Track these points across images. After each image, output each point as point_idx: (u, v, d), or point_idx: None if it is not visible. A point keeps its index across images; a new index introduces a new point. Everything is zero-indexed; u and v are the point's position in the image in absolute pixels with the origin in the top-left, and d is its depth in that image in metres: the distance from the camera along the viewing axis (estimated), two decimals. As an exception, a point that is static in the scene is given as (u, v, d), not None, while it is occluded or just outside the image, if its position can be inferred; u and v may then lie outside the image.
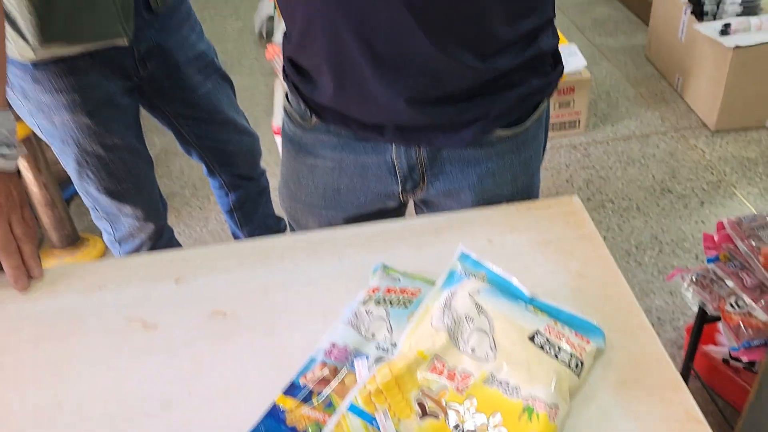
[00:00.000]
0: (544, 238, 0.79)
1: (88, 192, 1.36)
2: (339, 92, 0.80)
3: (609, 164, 2.41)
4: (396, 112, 0.79)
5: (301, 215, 0.99)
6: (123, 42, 1.19)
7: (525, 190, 0.92)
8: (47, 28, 1.10)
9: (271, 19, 3.46)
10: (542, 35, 0.80)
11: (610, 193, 2.28)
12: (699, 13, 2.54)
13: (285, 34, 0.86)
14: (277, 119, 2.37)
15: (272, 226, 1.80)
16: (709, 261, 1.34)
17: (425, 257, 0.79)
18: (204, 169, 1.61)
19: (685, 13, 2.62)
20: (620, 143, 2.53)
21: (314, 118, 0.88)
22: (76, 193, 2.30)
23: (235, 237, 1.83)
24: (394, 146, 0.85)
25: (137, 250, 1.50)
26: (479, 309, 0.63)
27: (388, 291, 0.68)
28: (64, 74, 1.18)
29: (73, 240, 2.10)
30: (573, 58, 2.42)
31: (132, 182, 1.38)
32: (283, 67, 0.91)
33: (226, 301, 0.76)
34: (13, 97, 1.24)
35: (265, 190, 1.72)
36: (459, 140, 0.83)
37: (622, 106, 2.76)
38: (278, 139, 2.25)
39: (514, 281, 0.67)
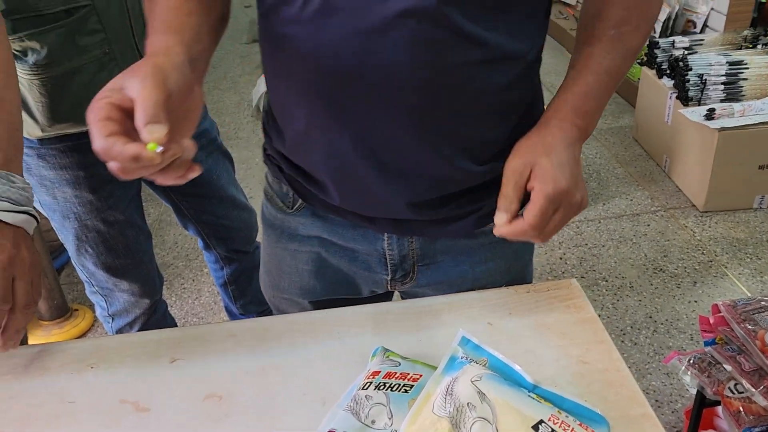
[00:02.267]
0: (544, 322, 0.79)
1: (85, 266, 1.35)
2: (334, 188, 0.79)
3: (601, 242, 2.44)
4: (393, 211, 0.79)
5: (284, 305, 0.96)
6: None
7: (518, 277, 0.92)
8: (57, 110, 1.13)
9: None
10: None
11: (604, 271, 2.29)
12: (684, 99, 2.64)
13: (268, 118, 0.84)
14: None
15: (265, 300, 1.78)
16: (706, 344, 1.33)
17: (425, 340, 0.78)
18: (200, 242, 1.61)
19: (671, 98, 2.72)
20: (611, 221, 2.56)
21: (299, 201, 0.85)
22: (68, 262, 2.29)
23: (228, 310, 1.81)
24: (386, 236, 0.84)
25: (130, 325, 1.48)
26: (482, 396, 0.62)
27: (389, 375, 0.67)
28: (70, 151, 1.19)
29: (62, 311, 2.07)
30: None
31: (130, 258, 1.37)
32: (264, 147, 0.88)
33: (221, 383, 0.74)
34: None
35: (259, 265, 1.72)
36: (454, 232, 0.83)
37: (612, 185, 2.81)
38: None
39: (517, 368, 0.66)
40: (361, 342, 0.78)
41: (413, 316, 0.82)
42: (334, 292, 0.91)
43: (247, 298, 1.73)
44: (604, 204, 2.68)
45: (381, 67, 0.66)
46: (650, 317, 2.07)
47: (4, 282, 0.75)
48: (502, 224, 0.70)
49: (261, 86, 3.63)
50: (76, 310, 2.13)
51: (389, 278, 0.88)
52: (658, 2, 0.77)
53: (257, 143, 3.31)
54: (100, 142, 0.54)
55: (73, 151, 1.20)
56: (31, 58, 1.08)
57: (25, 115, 1.14)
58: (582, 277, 2.25)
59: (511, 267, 0.91)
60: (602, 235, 2.48)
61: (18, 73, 1.07)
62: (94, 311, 2.10)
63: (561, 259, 2.35)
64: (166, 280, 2.30)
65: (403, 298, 0.97)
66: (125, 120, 0.56)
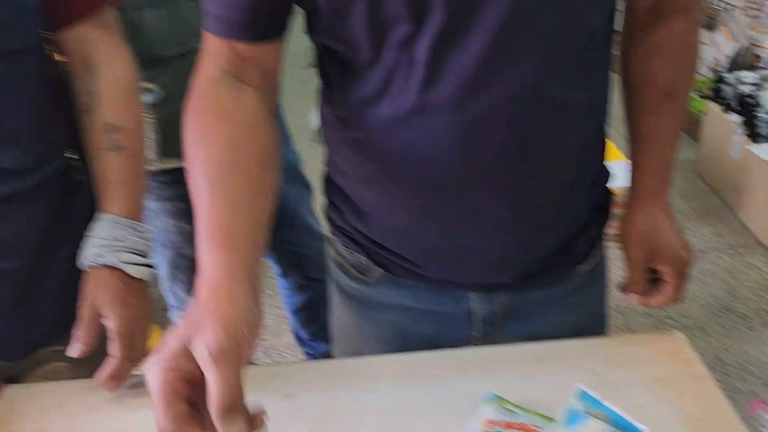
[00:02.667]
0: (652, 376, 0.79)
1: (176, 292, 1.40)
2: (423, 264, 0.81)
3: (666, 279, 2.40)
4: (484, 277, 0.81)
5: None
6: None
7: (599, 321, 0.93)
8: (168, 146, 1.19)
9: (328, 119, 3.62)
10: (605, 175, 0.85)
11: (670, 309, 2.25)
12: (753, 135, 2.59)
13: (336, 191, 0.85)
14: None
15: (335, 328, 1.81)
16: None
17: (533, 388, 0.79)
18: (277, 270, 1.65)
19: (738, 134, 2.67)
20: (676, 258, 2.52)
21: (380, 271, 0.85)
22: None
23: (298, 336, 1.84)
24: (473, 294, 0.85)
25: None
26: (606, 453, 0.62)
27: (508, 426, 0.68)
28: (173, 184, 1.25)
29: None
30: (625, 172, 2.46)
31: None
32: (331, 217, 0.88)
33: (333, 421, 0.76)
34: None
35: (331, 292, 1.75)
36: (543, 283, 0.84)
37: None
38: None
39: (640, 425, 0.67)
40: (465, 386, 0.79)
41: (517, 361, 0.83)
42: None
43: (318, 325, 1.76)
44: (667, 239, 2.64)
45: (479, 158, 0.67)
46: (720, 359, 2.02)
47: (130, 340, 0.76)
48: (635, 302, 0.84)
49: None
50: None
51: (476, 335, 0.88)
52: (698, 49, 0.78)
53: (318, 167, 3.36)
54: (167, 424, 0.49)
55: (176, 184, 1.25)
56: (148, 98, 1.14)
57: None
58: (648, 316, 2.22)
59: (596, 307, 0.92)
60: (667, 271, 2.44)
61: None
62: (162, 328, 2.17)
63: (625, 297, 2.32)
64: (232, 302, 2.34)
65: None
66: (192, 392, 0.51)
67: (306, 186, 1.56)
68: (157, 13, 1.11)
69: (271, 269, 1.69)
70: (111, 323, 0.76)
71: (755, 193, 2.61)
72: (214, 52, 0.70)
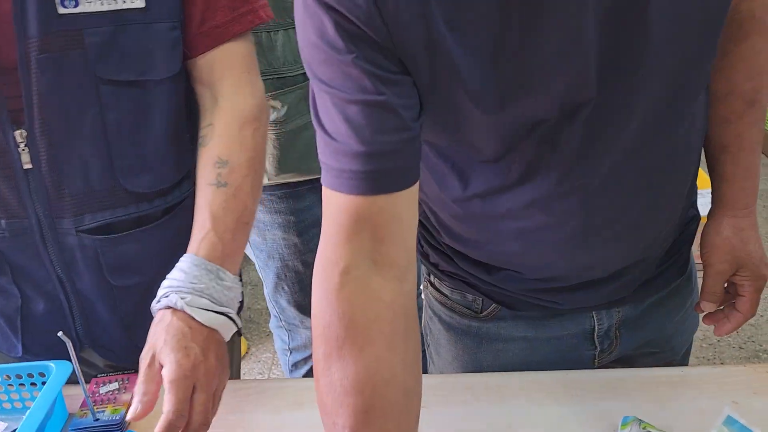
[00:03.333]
0: (793, 406, 0.78)
1: (278, 302, 1.45)
2: (549, 296, 0.83)
3: (759, 311, 2.31)
4: (605, 297, 0.83)
5: None
6: None
7: (694, 318, 0.94)
8: (284, 161, 1.24)
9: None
10: None
11: (764, 342, 2.17)
12: None
13: (438, 243, 0.85)
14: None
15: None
16: None
17: (668, 413, 0.79)
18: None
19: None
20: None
21: (498, 308, 0.86)
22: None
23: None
24: (595, 314, 0.86)
25: (305, 360, 1.56)
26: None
27: (656, 448, 0.69)
28: (286, 198, 1.30)
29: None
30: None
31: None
32: (435, 264, 0.88)
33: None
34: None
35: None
36: (654, 290, 0.86)
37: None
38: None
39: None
40: (599, 408, 0.80)
41: (648, 385, 0.84)
42: None
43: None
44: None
45: (608, 210, 0.71)
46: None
47: (184, 392, 0.66)
48: (709, 310, 0.84)
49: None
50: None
51: (597, 352, 0.89)
52: None
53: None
54: None
55: (289, 198, 1.31)
56: (272, 115, 1.20)
57: None
58: (741, 348, 2.15)
59: (694, 314, 0.92)
60: (761, 304, 2.35)
61: None
62: (248, 341, 2.23)
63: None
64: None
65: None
66: None
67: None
68: (287, 35, 1.17)
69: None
70: (165, 370, 0.67)
71: None
72: (344, 218, 0.60)
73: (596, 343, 0.88)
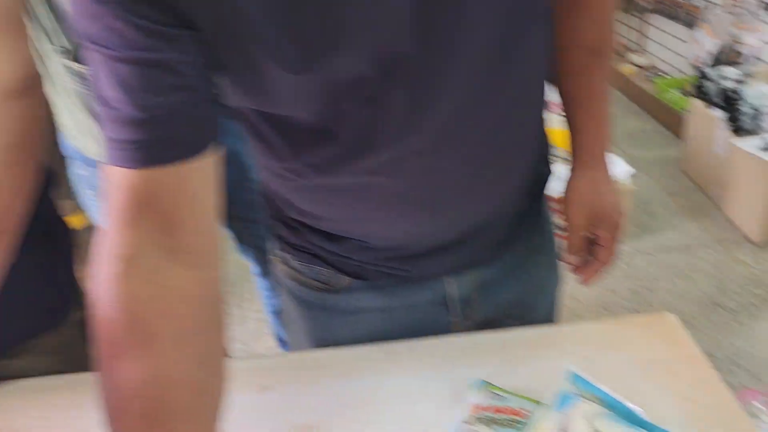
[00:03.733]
0: (645, 358, 0.76)
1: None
2: (398, 263, 0.79)
3: (654, 275, 2.38)
4: (456, 262, 0.79)
5: None
6: None
7: (556, 275, 0.92)
8: None
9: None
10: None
11: (658, 305, 2.23)
12: (737, 130, 2.59)
13: (287, 219, 0.79)
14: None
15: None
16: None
17: (523, 374, 0.76)
18: (256, 269, 1.61)
19: (722, 129, 2.67)
20: (663, 254, 2.51)
21: (347, 279, 0.81)
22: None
23: (280, 338, 1.79)
24: (448, 279, 0.82)
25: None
26: (599, 435, 0.59)
27: (497, 410, 0.65)
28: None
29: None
30: (617, 168, 2.45)
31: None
32: (288, 241, 0.82)
33: (313, 414, 0.72)
34: (82, 192, 1.27)
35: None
36: (507, 250, 0.83)
37: (661, 217, 2.76)
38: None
39: (631, 406, 0.63)
40: (453, 373, 0.76)
41: (506, 347, 0.80)
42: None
43: (301, 326, 1.71)
44: (653, 236, 2.62)
45: (445, 175, 0.67)
46: (709, 353, 1.99)
47: None
48: (573, 263, 0.85)
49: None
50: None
51: (452, 317, 0.85)
52: (614, 6, 0.78)
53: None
54: None
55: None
56: None
57: (89, 137, 1.16)
58: (636, 311, 2.20)
59: (555, 271, 0.91)
60: (654, 268, 2.42)
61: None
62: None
63: (612, 291, 2.30)
64: (214, 306, 2.29)
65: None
66: None
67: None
68: None
69: (250, 269, 1.65)
70: None
71: (740, 187, 2.61)
72: (124, 197, 0.52)
73: (453, 308, 0.84)
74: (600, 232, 0.82)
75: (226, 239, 1.62)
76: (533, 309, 0.90)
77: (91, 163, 1.20)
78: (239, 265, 1.61)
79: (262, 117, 0.64)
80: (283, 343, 1.80)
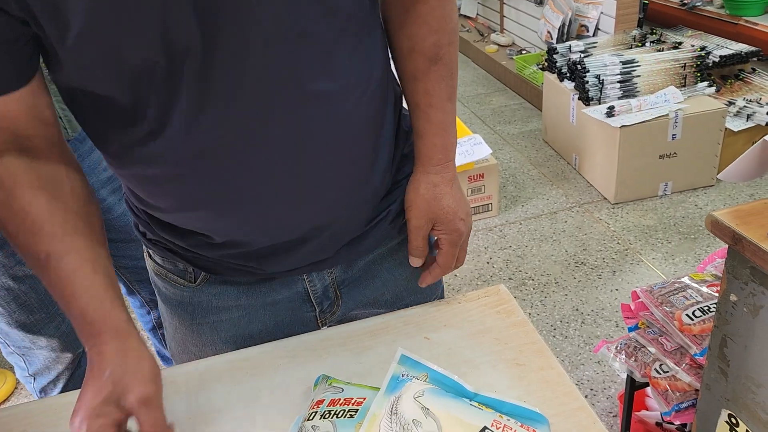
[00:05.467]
0: (478, 330, 0.82)
1: (-1, 327, 1.28)
2: (245, 259, 0.79)
3: (524, 243, 2.52)
4: (311, 254, 0.80)
5: None
6: None
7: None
8: None
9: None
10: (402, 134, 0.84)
11: (529, 270, 2.37)
12: (585, 99, 2.78)
13: (140, 213, 0.80)
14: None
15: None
16: (629, 329, 1.40)
17: (366, 362, 0.79)
18: (123, 288, 1.55)
19: (573, 100, 2.86)
20: (532, 222, 2.66)
21: (202, 274, 0.82)
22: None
23: (161, 355, 1.75)
24: (305, 276, 0.84)
25: (54, 382, 1.40)
26: (426, 411, 0.63)
27: (333, 403, 0.67)
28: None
29: (-22, 378, 1.94)
30: (479, 147, 2.57)
31: (45, 312, 1.31)
32: (143, 233, 0.83)
33: None
34: None
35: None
36: (365, 248, 0.84)
37: (528, 187, 2.92)
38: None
39: (455, 378, 0.68)
40: (301, 372, 0.78)
41: (351, 339, 0.83)
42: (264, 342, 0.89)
43: (179, 340, 1.68)
44: (522, 206, 2.77)
45: (262, 152, 0.67)
46: (577, 310, 2.15)
47: None
48: (418, 265, 0.86)
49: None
50: (-6, 374, 2.00)
51: (317, 313, 0.87)
52: (454, 9, 0.79)
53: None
54: None
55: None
56: None
57: None
58: (510, 279, 2.32)
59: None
60: (524, 236, 2.57)
61: None
62: (14, 372, 1.99)
63: (488, 263, 2.42)
64: (91, 331, 2.19)
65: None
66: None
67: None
68: None
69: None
70: None
71: (593, 152, 2.81)
72: None
73: (318, 304, 0.86)
74: (440, 235, 0.83)
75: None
76: (402, 306, 0.91)
77: None
78: None
79: (82, 95, 0.65)
80: (165, 359, 1.75)
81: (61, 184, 0.68)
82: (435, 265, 0.85)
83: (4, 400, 1.96)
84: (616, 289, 2.23)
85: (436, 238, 0.85)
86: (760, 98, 2.79)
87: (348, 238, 0.82)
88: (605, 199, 2.75)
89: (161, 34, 0.57)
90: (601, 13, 3.30)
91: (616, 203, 2.71)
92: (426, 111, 0.79)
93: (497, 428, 0.62)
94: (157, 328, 1.64)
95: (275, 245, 0.78)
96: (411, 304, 0.91)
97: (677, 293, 1.31)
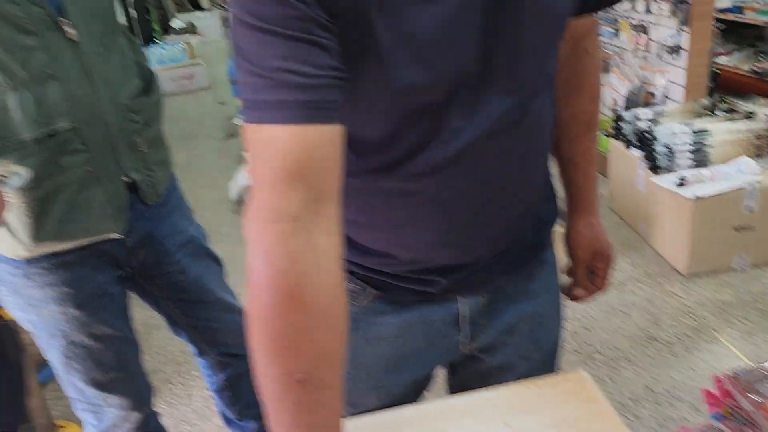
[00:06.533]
0: (559, 418, 0.79)
1: (74, 384, 1.31)
2: (422, 280, 0.84)
3: (591, 314, 2.44)
4: (473, 274, 0.86)
5: (360, 395, 0.93)
6: (116, 236, 1.22)
7: (557, 309, 1.00)
8: (41, 229, 1.13)
9: (248, 187, 3.57)
10: None
11: (597, 343, 2.28)
12: (654, 168, 2.73)
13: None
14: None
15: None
16: (713, 418, 1.32)
17: (442, 447, 0.77)
18: (193, 349, 1.58)
19: (641, 168, 2.81)
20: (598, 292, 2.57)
21: (373, 293, 0.86)
22: (53, 377, 2.21)
23: (225, 417, 1.75)
24: (461, 298, 0.88)
25: (122, 440, 1.42)
26: None
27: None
28: (56, 269, 1.18)
29: (48, 430, 1.98)
30: (544, 215, 2.54)
31: (120, 371, 1.34)
32: None
33: None
34: (4, 292, 1.23)
35: (254, 367, 1.69)
36: (520, 273, 0.90)
37: (594, 256, 2.84)
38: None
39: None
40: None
41: (429, 419, 0.81)
42: (410, 370, 0.92)
43: (242, 403, 1.68)
44: (589, 275, 2.70)
45: (485, 182, 0.76)
46: (649, 388, 2.05)
47: None
48: (581, 296, 1.03)
49: (240, 179, 3.66)
50: (62, 426, 2.05)
51: (462, 337, 0.90)
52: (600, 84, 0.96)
53: (240, 238, 3.30)
54: None
55: (59, 269, 1.19)
56: (16, 182, 1.08)
57: (9, 237, 1.14)
58: (576, 352, 2.24)
59: (554, 295, 1.00)
60: (591, 307, 2.49)
61: (3, 197, 1.07)
62: (81, 427, 2.03)
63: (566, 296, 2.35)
64: (155, 387, 2.23)
65: (464, 368, 0.96)
66: None
67: (214, 260, 1.51)
68: (20, 97, 1.06)
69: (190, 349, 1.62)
70: None
71: (663, 222, 2.73)
72: (282, 158, 0.60)
73: (463, 329, 0.89)
74: (599, 265, 1.01)
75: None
76: (535, 338, 0.96)
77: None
78: (183, 342, 1.58)
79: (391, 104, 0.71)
80: (228, 421, 1.76)
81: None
82: (593, 287, 1.03)
83: (69, 454, 1.99)
84: (692, 369, 2.12)
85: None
86: (843, 170, 2.68)
87: (509, 262, 0.87)
88: (676, 270, 2.65)
89: (444, 68, 0.66)
90: (669, 81, 3.27)
91: (689, 276, 2.61)
92: (584, 168, 0.97)
93: None
94: (223, 389, 1.65)
95: (452, 264, 0.83)
96: (542, 339, 0.97)
97: (765, 381, 1.23)
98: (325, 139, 0.61)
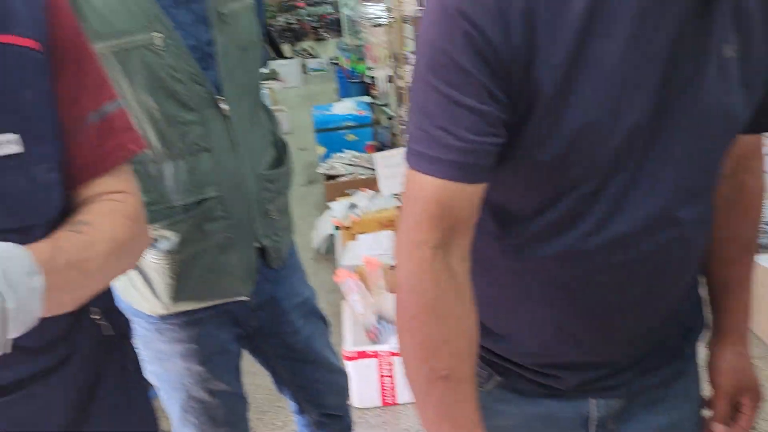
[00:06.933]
0: None
1: (186, 437, 1.35)
2: (550, 373, 0.83)
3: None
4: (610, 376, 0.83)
5: None
6: (245, 298, 1.27)
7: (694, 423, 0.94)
8: (182, 290, 1.19)
9: (331, 236, 3.63)
10: None
11: None
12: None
13: None
14: (348, 343, 2.39)
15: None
16: None
17: None
18: (294, 406, 1.60)
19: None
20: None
21: (498, 379, 0.86)
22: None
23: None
24: (593, 399, 0.85)
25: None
26: None
27: None
28: (185, 326, 1.24)
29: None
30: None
31: (230, 426, 1.37)
32: None
33: None
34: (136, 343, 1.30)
35: (349, 428, 1.69)
36: (659, 381, 0.86)
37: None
38: (349, 365, 2.24)
39: None
40: None
41: None
42: None
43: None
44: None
45: (639, 280, 0.76)
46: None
47: None
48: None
49: (322, 228, 3.71)
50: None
51: None
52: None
53: (322, 287, 3.34)
54: None
55: (189, 326, 1.24)
56: (164, 245, 1.15)
57: (151, 296, 1.20)
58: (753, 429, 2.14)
59: (696, 410, 0.94)
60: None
61: (149, 259, 1.14)
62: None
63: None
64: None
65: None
66: None
67: (322, 320, 1.54)
68: (175, 166, 1.14)
69: (288, 406, 1.64)
70: None
71: (764, 302, 2.60)
72: (431, 202, 0.70)
73: (590, 430, 0.86)
74: (744, 400, 0.90)
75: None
76: None
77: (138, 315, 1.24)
78: (268, 390, 1.60)
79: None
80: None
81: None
82: (737, 427, 0.90)
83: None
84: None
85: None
86: None
87: (648, 367, 0.84)
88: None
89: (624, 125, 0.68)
90: None
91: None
92: (736, 291, 0.90)
93: None
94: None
95: (587, 360, 0.81)
96: None
97: None
98: (466, 194, 0.70)
